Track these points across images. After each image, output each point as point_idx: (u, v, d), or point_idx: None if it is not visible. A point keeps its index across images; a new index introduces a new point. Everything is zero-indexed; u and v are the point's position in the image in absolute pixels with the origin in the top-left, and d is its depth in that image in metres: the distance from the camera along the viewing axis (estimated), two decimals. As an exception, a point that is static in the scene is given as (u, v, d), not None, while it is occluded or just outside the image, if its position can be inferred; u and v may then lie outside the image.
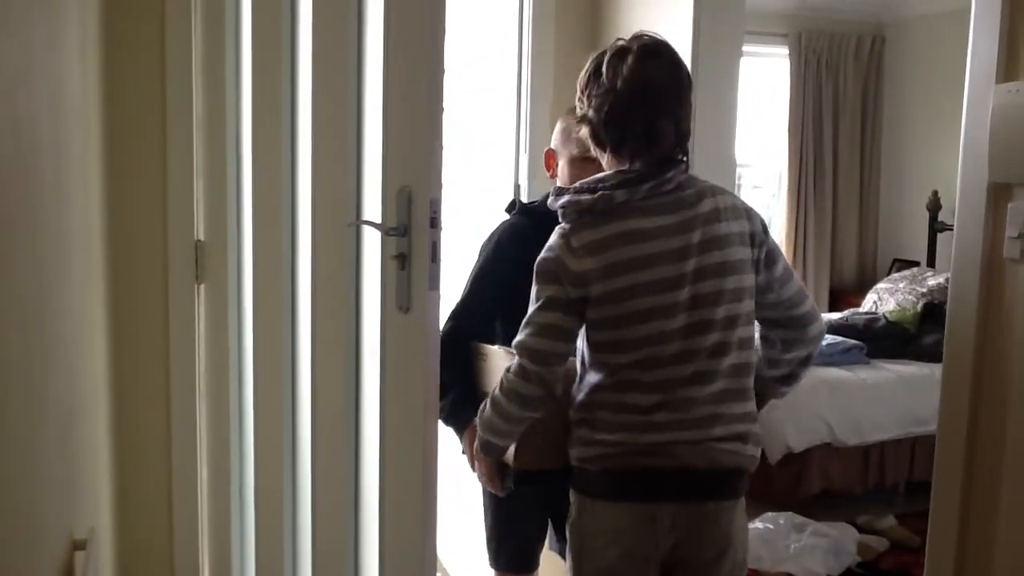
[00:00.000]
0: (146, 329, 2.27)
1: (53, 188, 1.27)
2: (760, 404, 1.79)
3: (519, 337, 1.69)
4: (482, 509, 2.24)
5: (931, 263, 5.32)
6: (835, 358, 4.21)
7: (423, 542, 1.66)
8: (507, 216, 2.15)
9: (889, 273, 5.54)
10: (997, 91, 1.54)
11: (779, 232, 5.89)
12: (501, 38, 2.94)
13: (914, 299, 4.76)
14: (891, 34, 5.86)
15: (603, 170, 1.82)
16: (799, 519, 3.59)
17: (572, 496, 1.74)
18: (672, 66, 1.67)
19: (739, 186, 5.58)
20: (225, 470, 2.33)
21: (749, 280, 1.68)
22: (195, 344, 2.31)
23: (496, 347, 1.98)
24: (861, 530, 3.67)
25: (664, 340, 1.62)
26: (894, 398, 4.04)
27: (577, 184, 1.70)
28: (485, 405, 1.76)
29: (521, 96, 2.84)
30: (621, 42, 1.68)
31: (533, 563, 2.27)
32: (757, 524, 3.52)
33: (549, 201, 1.73)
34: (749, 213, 1.72)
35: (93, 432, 1.83)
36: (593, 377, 1.68)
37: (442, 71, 1.62)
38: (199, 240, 2.29)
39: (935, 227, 5.28)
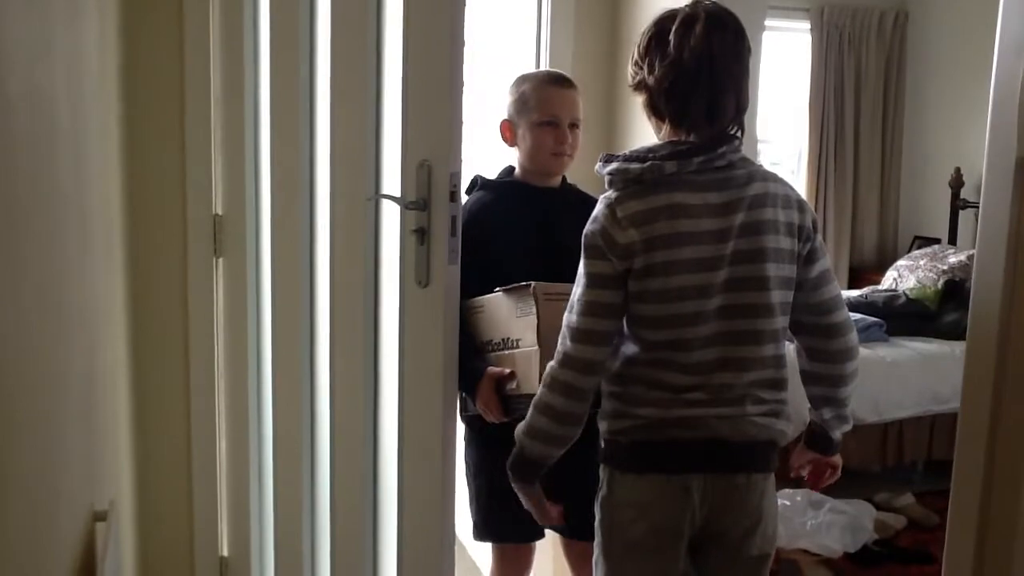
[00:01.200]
0: (165, 303, 2.28)
1: (72, 163, 1.27)
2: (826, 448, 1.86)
3: (567, 319, 1.61)
4: (469, 484, 2.18)
5: (952, 241, 5.27)
6: (854, 336, 4.18)
7: (442, 512, 1.67)
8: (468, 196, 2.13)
9: (910, 250, 5.49)
10: (1026, 65, 1.51)
11: (798, 209, 5.85)
12: (520, 14, 2.91)
13: (935, 276, 4.72)
14: (914, 9, 5.78)
15: (565, 135, 2.00)
16: (816, 496, 3.58)
17: (602, 471, 1.70)
18: (736, 38, 1.61)
19: (759, 162, 5.54)
20: (244, 443, 2.35)
21: (790, 271, 1.65)
22: (214, 318, 2.32)
23: (492, 295, 1.93)
24: (879, 508, 3.66)
25: (699, 321, 1.58)
26: (913, 376, 4.01)
27: (626, 152, 1.62)
28: (531, 409, 1.64)
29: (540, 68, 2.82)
30: (687, 8, 1.61)
31: (538, 532, 2.18)
32: (774, 501, 3.52)
33: (597, 167, 1.65)
34: (802, 206, 1.67)
35: (114, 405, 1.84)
36: (629, 349, 1.63)
37: (462, 43, 1.61)
38: (217, 214, 2.29)
39: (957, 204, 5.22)
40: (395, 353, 1.79)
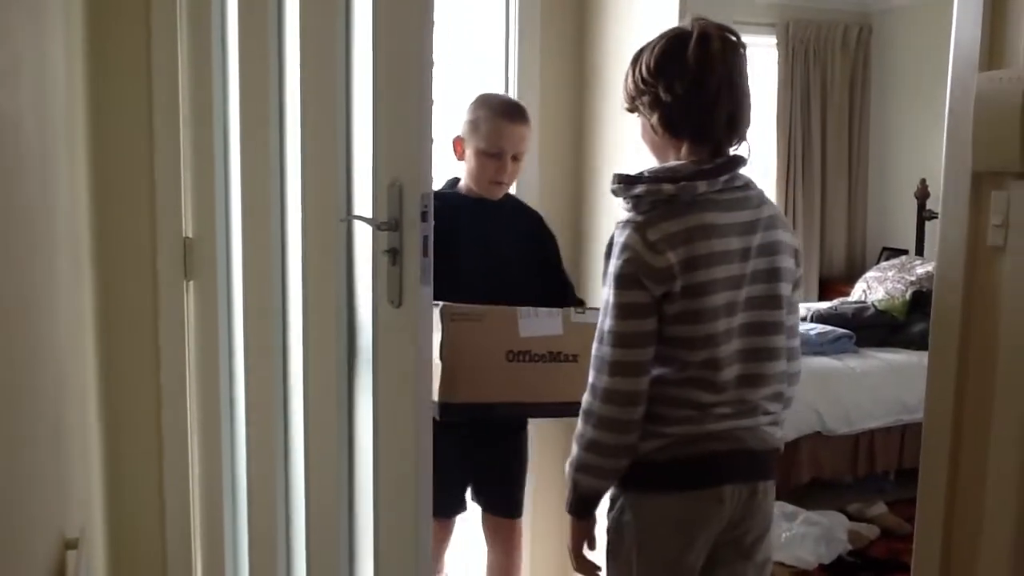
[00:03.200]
0: (136, 326, 2.27)
1: (39, 186, 1.27)
2: None
3: (601, 352, 1.60)
4: None
5: (919, 251, 5.35)
6: (824, 347, 4.23)
7: (417, 535, 1.67)
8: None
9: (878, 262, 5.56)
10: (980, 79, 1.54)
11: (768, 222, 5.90)
12: (487, 34, 2.93)
13: (903, 287, 4.78)
14: (877, 23, 5.88)
15: (505, 167, 2.17)
16: (789, 508, 3.61)
17: (621, 495, 1.69)
18: (744, 56, 1.65)
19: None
20: (217, 468, 2.33)
21: (791, 292, 1.70)
22: (185, 341, 2.30)
23: (491, 307, 2.11)
24: (852, 518, 3.70)
25: (728, 339, 1.61)
26: (883, 386, 4.07)
27: (649, 172, 1.63)
28: (574, 444, 1.65)
29: (508, 91, 2.84)
30: (698, 26, 1.63)
31: (460, 507, 2.54)
32: (748, 513, 3.53)
33: (614, 188, 1.66)
34: (791, 230, 1.74)
35: (83, 430, 1.83)
36: (658, 371, 1.62)
37: (431, 63, 1.62)
38: (188, 237, 2.28)
39: (923, 215, 5.30)
40: (369, 373, 1.79)
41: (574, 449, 1.64)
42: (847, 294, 5.27)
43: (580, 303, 2.43)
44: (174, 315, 2.28)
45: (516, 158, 2.33)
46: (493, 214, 2.40)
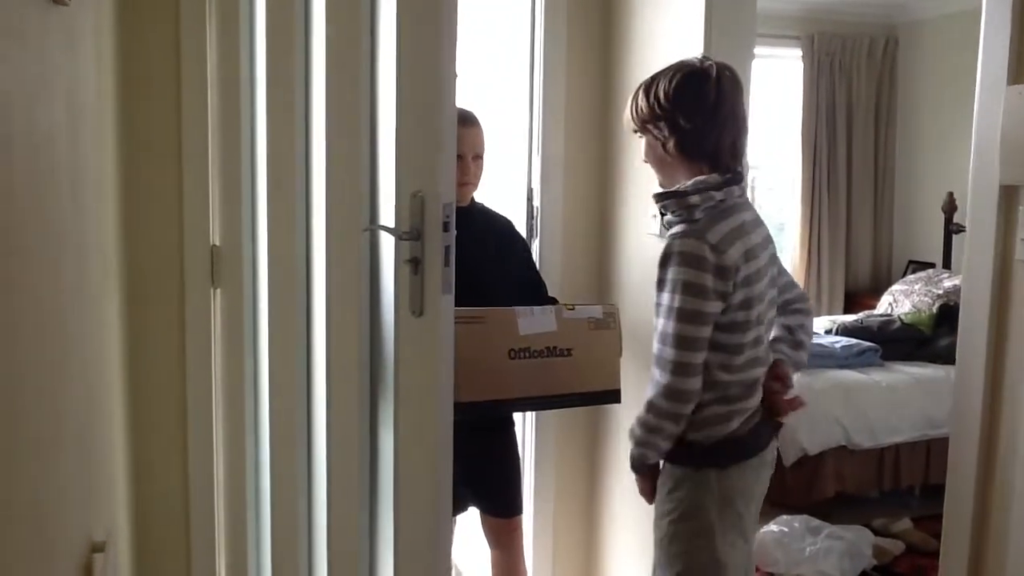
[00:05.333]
0: (163, 333, 2.29)
1: (70, 198, 1.29)
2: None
3: (664, 353, 1.79)
4: None
5: (947, 265, 5.30)
6: (850, 361, 4.20)
7: (436, 543, 1.67)
8: None
9: (904, 275, 5.52)
10: (1008, 93, 1.53)
11: (793, 234, 5.88)
12: (513, 40, 2.94)
13: (929, 301, 4.74)
14: (904, 35, 5.85)
15: (467, 167, 2.41)
16: (814, 522, 3.58)
17: (688, 474, 1.87)
18: (743, 91, 1.94)
19: (753, 188, 5.58)
20: (241, 472, 2.35)
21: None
22: (211, 348, 2.33)
23: (490, 308, 2.25)
24: (876, 533, 3.66)
25: (759, 323, 1.84)
26: (909, 400, 4.03)
27: (691, 185, 1.83)
28: (638, 428, 1.87)
29: (533, 99, 2.85)
30: (710, 64, 1.88)
31: (460, 507, 2.58)
32: (772, 527, 3.51)
33: (663, 204, 1.88)
34: None
35: (111, 435, 1.85)
36: (717, 358, 1.81)
37: (454, 76, 1.63)
38: (215, 245, 2.30)
39: (950, 229, 5.26)
40: (391, 382, 1.80)
41: (638, 430, 1.87)
42: (873, 307, 5.23)
43: (553, 300, 2.59)
44: (201, 322, 2.30)
45: (477, 158, 2.49)
46: (461, 222, 2.45)
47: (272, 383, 2.19)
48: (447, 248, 1.60)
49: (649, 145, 1.95)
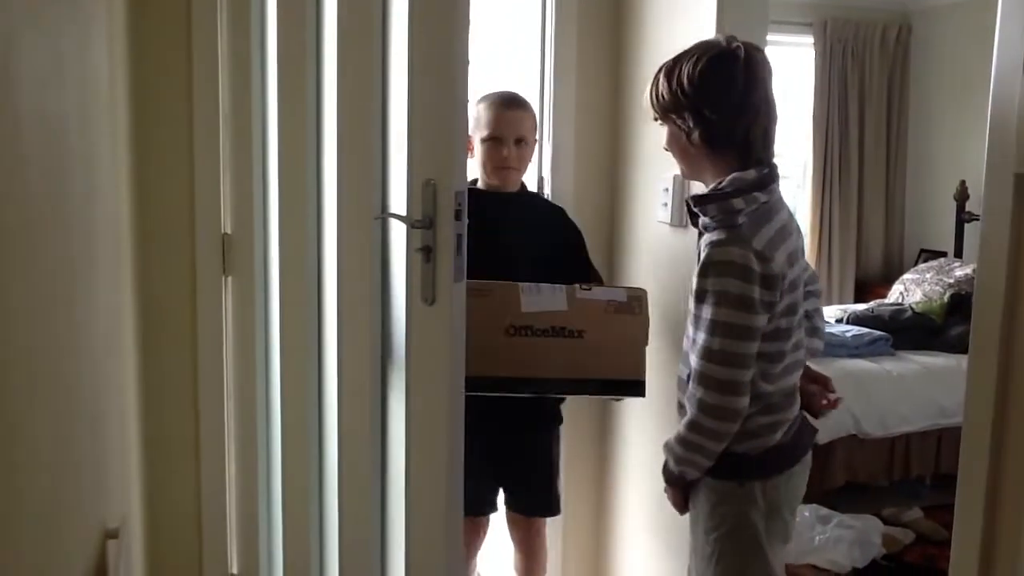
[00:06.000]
0: (174, 321, 2.30)
1: (83, 184, 1.29)
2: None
3: (707, 369, 1.68)
4: None
5: (958, 253, 5.27)
6: (861, 350, 4.18)
7: (447, 525, 1.68)
8: None
9: (916, 264, 5.49)
10: (1025, 80, 1.52)
11: (804, 223, 5.86)
12: (524, 29, 2.93)
13: (941, 290, 4.72)
14: (917, 22, 5.80)
15: (509, 150, 2.31)
16: (824, 511, 3.58)
17: (730, 490, 1.79)
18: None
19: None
20: (253, 460, 2.36)
21: None
22: (223, 336, 2.33)
23: (495, 282, 2.15)
24: (886, 522, 3.66)
25: (800, 326, 1.78)
26: (920, 390, 4.01)
27: (730, 186, 1.70)
28: (678, 446, 1.78)
29: (544, 87, 2.84)
30: (736, 45, 1.72)
31: (491, 506, 2.57)
32: (781, 516, 3.51)
33: (699, 209, 1.74)
34: None
35: (124, 423, 1.86)
36: (759, 367, 1.73)
37: (466, 64, 1.63)
38: (226, 233, 2.31)
39: (962, 217, 5.23)
40: (403, 370, 1.80)
41: (677, 448, 1.78)
42: (884, 296, 5.21)
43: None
44: (212, 310, 2.31)
45: (520, 142, 2.40)
46: (505, 206, 2.45)
47: (283, 371, 2.19)
48: (459, 236, 1.60)
49: (672, 135, 1.81)
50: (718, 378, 1.67)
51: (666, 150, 1.87)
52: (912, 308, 4.59)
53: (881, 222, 5.91)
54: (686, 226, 2.46)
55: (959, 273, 4.75)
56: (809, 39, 5.66)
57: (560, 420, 2.61)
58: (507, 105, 2.40)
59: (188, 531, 2.38)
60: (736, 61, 1.70)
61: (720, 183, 1.72)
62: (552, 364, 2.19)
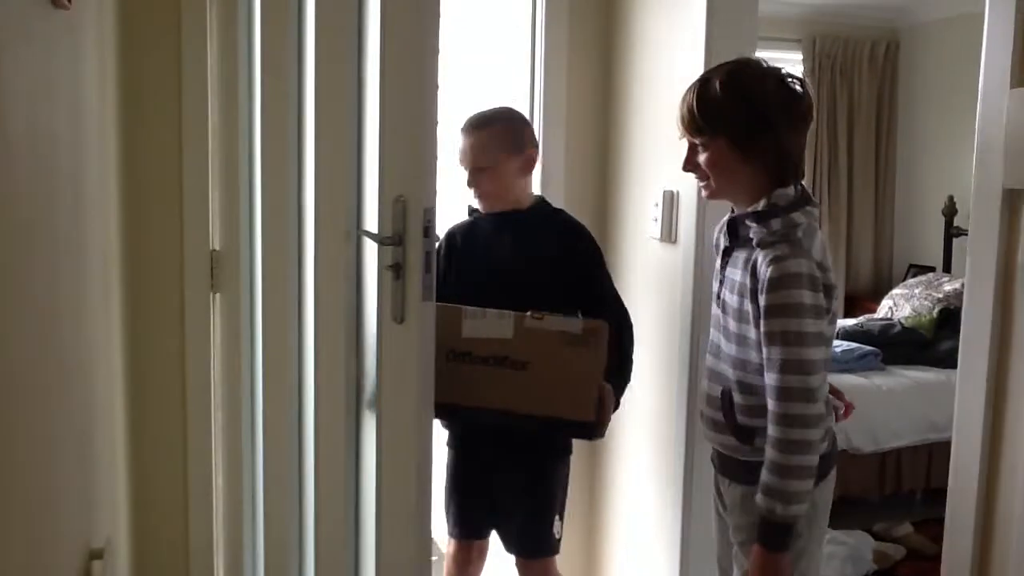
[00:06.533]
0: (163, 338, 2.29)
1: (72, 201, 1.28)
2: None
3: (805, 382, 1.65)
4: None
5: (947, 268, 5.29)
6: (850, 364, 4.19)
7: (419, 538, 1.66)
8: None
9: (905, 279, 5.51)
10: (1011, 96, 1.53)
11: (793, 238, 5.86)
12: (514, 42, 2.94)
13: (930, 305, 4.73)
14: (905, 39, 5.85)
15: (471, 181, 2.26)
16: (815, 527, 3.57)
17: None
18: None
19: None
20: (239, 479, 2.34)
21: None
22: (211, 353, 2.32)
23: (444, 304, 1.95)
24: (877, 538, 3.65)
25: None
26: (910, 405, 4.02)
27: (782, 203, 1.73)
28: (780, 482, 1.65)
29: (534, 101, 2.85)
30: (799, 79, 1.78)
31: (475, 532, 2.44)
32: (773, 531, 3.50)
33: (763, 223, 1.72)
34: None
35: (110, 441, 1.84)
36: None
37: (436, 85, 1.62)
38: (214, 249, 2.30)
39: (951, 232, 5.25)
40: (374, 388, 1.79)
41: (781, 484, 1.65)
42: (873, 311, 5.22)
43: (620, 329, 2.21)
44: (200, 327, 2.30)
45: (478, 170, 2.26)
46: (500, 228, 2.33)
47: (266, 390, 2.19)
48: (428, 254, 1.58)
49: (718, 150, 1.77)
50: (804, 387, 1.65)
51: (689, 170, 1.85)
52: (901, 323, 4.60)
53: (870, 237, 5.94)
54: (675, 241, 2.46)
55: (948, 288, 4.77)
56: (798, 55, 5.70)
57: (569, 450, 2.41)
58: (464, 131, 2.30)
59: (175, 551, 2.36)
60: (795, 80, 1.77)
61: (771, 199, 1.73)
62: (490, 395, 2.06)
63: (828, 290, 1.71)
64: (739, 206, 1.82)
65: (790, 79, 1.77)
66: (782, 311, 1.65)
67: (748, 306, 1.74)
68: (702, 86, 1.78)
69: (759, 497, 1.68)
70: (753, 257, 1.74)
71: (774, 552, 1.68)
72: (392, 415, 1.71)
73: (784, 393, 1.65)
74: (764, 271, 1.68)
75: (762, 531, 1.69)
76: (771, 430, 1.67)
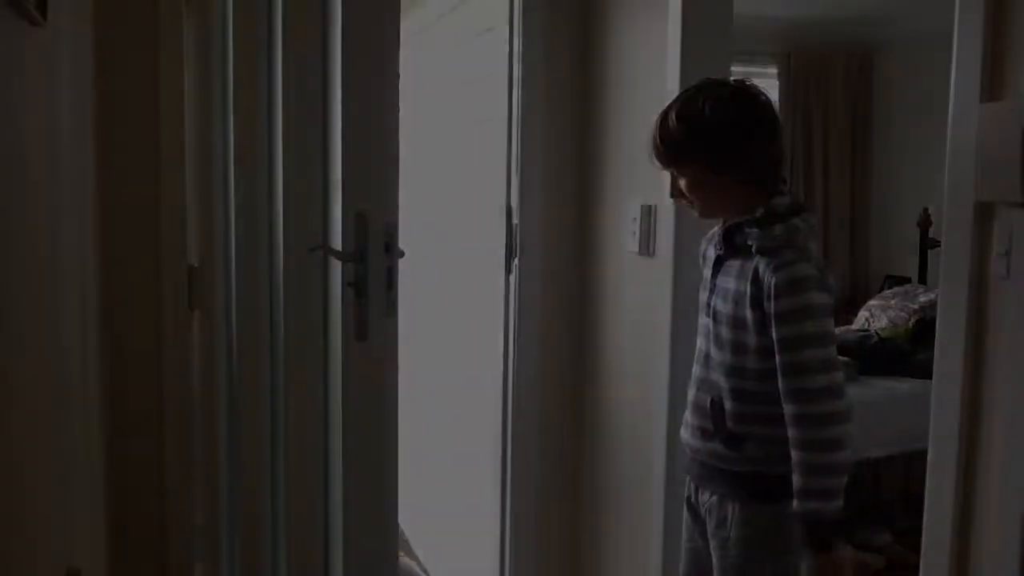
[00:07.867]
0: (140, 356, 2.27)
1: (47, 219, 1.27)
2: None
3: (832, 379, 1.71)
4: None
5: (922, 280, 5.35)
6: (828, 376, 4.21)
7: (384, 552, 1.65)
8: None
9: (881, 290, 5.56)
10: (981, 111, 1.55)
11: (771, 250, 5.91)
12: (492, 57, 2.95)
13: (906, 316, 4.78)
14: (879, 55, 5.92)
15: None
16: (795, 538, 3.58)
17: (779, 511, 1.75)
18: None
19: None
20: (217, 500, 2.32)
21: None
22: (189, 371, 2.30)
23: None
24: (857, 547, 3.66)
25: None
26: (887, 415, 4.05)
27: (781, 209, 1.76)
28: (823, 478, 1.69)
29: (512, 118, 2.85)
30: (760, 89, 1.82)
31: None
32: (753, 543, 3.51)
33: (766, 230, 1.74)
34: None
35: (88, 459, 1.82)
36: None
37: (396, 96, 1.62)
38: (192, 265, 2.29)
39: (926, 244, 5.31)
40: (339, 407, 1.77)
41: (822, 481, 1.69)
42: (850, 322, 5.26)
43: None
44: (178, 344, 2.28)
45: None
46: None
47: (241, 410, 2.17)
48: (389, 269, 1.57)
49: (695, 176, 1.80)
50: (828, 385, 1.69)
51: (675, 197, 1.89)
52: (878, 334, 4.64)
53: (846, 249, 5.99)
54: (653, 255, 2.47)
55: (924, 299, 4.82)
56: (773, 70, 5.75)
57: None
58: None
59: (152, 569, 2.34)
60: (751, 90, 1.79)
61: (769, 207, 1.76)
62: None
63: (830, 291, 1.76)
64: (732, 219, 1.84)
65: (745, 91, 1.79)
66: (798, 315, 1.69)
67: (747, 313, 1.75)
68: (661, 123, 1.81)
69: (800, 504, 1.69)
70: (752, 265, 1.75)
71: (830, 552, 1.72)
72: (356, 435, 1.68)
73: (816, 393, 1.69)
74: (769, 277, 1.70)
75: (813, 535, 1.71)
76: (804, 433, 1.69)
